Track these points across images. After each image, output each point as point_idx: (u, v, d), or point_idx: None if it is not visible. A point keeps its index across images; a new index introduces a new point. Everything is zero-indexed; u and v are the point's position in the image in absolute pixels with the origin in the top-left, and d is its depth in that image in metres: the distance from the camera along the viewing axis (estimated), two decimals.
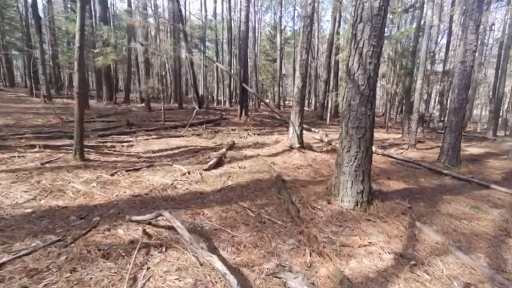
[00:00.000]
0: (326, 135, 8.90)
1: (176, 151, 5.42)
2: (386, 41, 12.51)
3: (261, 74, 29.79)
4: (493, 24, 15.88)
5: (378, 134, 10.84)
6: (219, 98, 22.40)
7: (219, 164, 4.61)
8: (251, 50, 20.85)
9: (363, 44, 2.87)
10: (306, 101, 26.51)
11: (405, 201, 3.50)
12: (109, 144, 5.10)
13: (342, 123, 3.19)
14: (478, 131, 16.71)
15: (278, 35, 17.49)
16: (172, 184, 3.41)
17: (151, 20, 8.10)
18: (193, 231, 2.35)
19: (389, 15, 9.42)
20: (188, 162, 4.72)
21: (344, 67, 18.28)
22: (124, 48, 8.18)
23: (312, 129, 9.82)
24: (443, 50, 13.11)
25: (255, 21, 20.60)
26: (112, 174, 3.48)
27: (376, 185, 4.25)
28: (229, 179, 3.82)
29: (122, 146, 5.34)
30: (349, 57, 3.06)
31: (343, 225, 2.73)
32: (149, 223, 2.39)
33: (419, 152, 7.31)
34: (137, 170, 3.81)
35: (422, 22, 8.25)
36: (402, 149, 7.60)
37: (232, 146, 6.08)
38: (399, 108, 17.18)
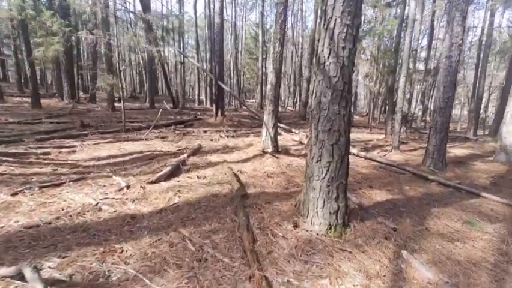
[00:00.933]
0: (307, 137, 8.33)
1: (128, 158, 4.60)
2: (368, 39, 12.19)
3: (246, 73, 29.12)
4: (470, 27, 16.04)
5: (362, 135, 10.44)
6: (201, 97, 21.49)
7: (173, 174, 3.86)
8: (232, 47, 20.10)
9: (334, 24, 2.23)
10: (291, 101, 26.08)
11: (389, 220, 2.91)
12: (39, 151, 4.20)
13: (311, 125, 2.54)
14: (458, 130, 16.88)
15: (260, 32, 16.86)
16: (96, 205, 2.63)
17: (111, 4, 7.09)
18: None
19: (371, 10, 9.00)
20: (138, 172, 3.93)
21: None
22: (72, 38, 7.20)
23: (293, 130, 9.24)
24: (425, 49, 12.98)
25: (235, 17, 19.87)
26: (14, 194, 2.65)
27: (356, 196, 3.66)
28: (178, 194, 3.08)
29: (60, 152, 4.45)
30: (318, 42, 2.41)
31: (310, 260, 2.08)
32: None
33: (402, 154, 6.88)
34: (58, 185, 2.99)
35: (404, 17, 7.86)
36: (386, 151, 7.15)
37: (197, 151, 5.33)
38: (383, 108, 17.06)
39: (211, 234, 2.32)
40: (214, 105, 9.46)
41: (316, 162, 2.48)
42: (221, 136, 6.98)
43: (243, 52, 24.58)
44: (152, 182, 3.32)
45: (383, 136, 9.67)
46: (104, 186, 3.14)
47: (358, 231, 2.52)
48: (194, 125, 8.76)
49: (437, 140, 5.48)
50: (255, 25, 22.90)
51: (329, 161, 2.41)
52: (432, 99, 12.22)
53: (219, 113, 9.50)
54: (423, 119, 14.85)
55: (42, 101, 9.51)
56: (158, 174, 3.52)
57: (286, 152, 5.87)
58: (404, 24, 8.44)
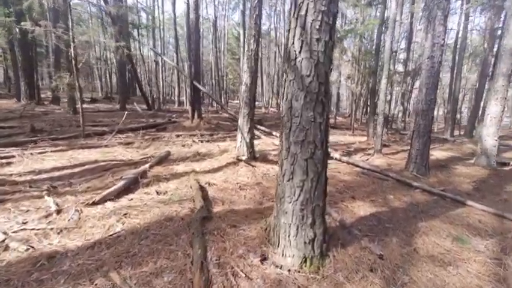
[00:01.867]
0: None
1: (77, 170, 3.93)
2: (349, 40, 12.10)
3: (229, 73, 28.49)
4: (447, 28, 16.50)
5: (344, 137, 10.25)
6: (181, 98, 20.63)
7: (128, 189, 3.27)
8: (213, 46, 19.45)
9: (306, 10, 1.79)
10: (275, 101, 25.81)
11: (375, 243, 2.52)
12: None
13: (282, 135, 2.08)
14: (436, 131, 17.34)
15: (242, 32, 16.35)
16: (2, 242, 2.01)
17: None
18: None
19: (352, 10, 8.79)
20: (85, 188, 3.30)
21: None
22: (16, 30, 6.33)
23: (274, 133, 8.83)
24: (405, 51, 13.11)
25: (215, 16, 19.26)
26: None
27: (338, 211, 3.26)
28: (123, 219, 2.51)
29: None
30: (288, 33, 1.96)
31: None
32: None
33: (385, 157, 6.66)
34: None
35: (385, 18, 7.71)
36: (368, 154, 6.91)
37: (164, 159, 4.74)
38: (365, 109, 17.15)
39: (153, 278, 1.79)
40: (190, 107, 8.84)
41: (288, 180, 2.02)
42: (194, 141, 6.41)
43: (225, 52, 23.97)
44: (93, 203, 2.72)
45: (365, 138, 9.51)
46: (28, 211, 2.51)
47: (339, 263, 2.09)
48: (167, 129, 8.09)
49: (419, 144, 5.25)
50: (237, 25, 22.40)
51: (303, 179, 1.96)
52: (412, 101, 12.34)
53: (196, 116, 8.89)
54: (403, 120, 15.05)
55: None
56: (105, 193, 2.92)
57: (264, 158, 5.41)
58: (384, 26, 8.31)
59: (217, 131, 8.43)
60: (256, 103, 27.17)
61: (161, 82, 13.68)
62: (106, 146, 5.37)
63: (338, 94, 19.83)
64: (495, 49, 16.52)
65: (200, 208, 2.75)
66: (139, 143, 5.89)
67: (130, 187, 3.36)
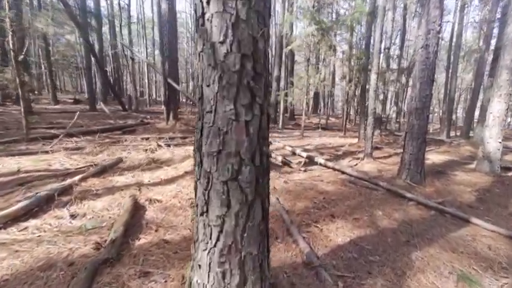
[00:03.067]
0: (270, 143, 7.19)
1: None
2: (339, 37, 11.44)
3: None
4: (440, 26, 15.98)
5: (334, 139, 9.54)
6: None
7: (32, 212, 2.48)
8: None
9: None
10: None
11: None
12: None
13: (195, 142, 1.32)
14: (431, 132, 16.78)
15: None
16: None
17: None
18: None
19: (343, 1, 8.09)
20: None
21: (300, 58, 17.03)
22: None
23: None
24: (399, 48, 12.49)
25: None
26: None
27: (308, 238, 2.51)
28: None
29: None
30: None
31: None
32: None
33: (376, 162, 5.95)
34: None
35: (376, 6, 7.04)
36: (357, 158, 6.19)
37: (109, 168, 3.94)
38: (359, 109, 16.53)
39: None
40: (164, 107, 8.05)
41: (201, 214, 1.26)
42: (160, 145, 5.62)
43: None
44: None
45: (356, 140, 8.81)
46: None
47: None
48: (137, 131, 7.29)
49: (413, 147, 4.54)
50: None
51: (222, 213, 1.20)
52: (406, 99, 11.71)
53: (171, 117, 8.10)
54: (398, 120, 14.44)
55: None
56: None
57: None
58: (374, 16, 7.63)
59: (192, 133, 7.66)
60: None
61: (138, 81, 12.87)
62: (48, 151, 4.56)
63: (331, 93, 19.21)
64: (491, 47, 16.08)
65: (110, 243, 1.97)
66: (93, 147, 5.08)
67: (37, 209, 2.57)
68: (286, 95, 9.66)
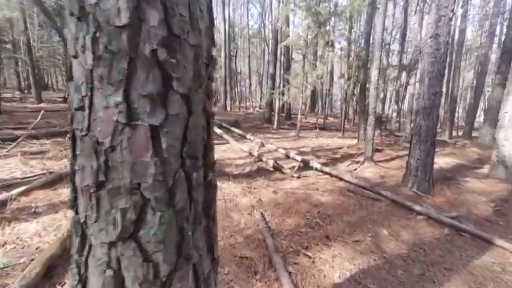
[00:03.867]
0: (262, 145, 6.63)
1: None
2: (337, 33, 10.88)
3: (216, 72, 27.09)
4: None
5: (332, 140, 8.99)
6: None
7: None
8: None
9: None
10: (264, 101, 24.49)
11: None
12: None
13: (70, 167, 0.73)
14: None
15: (222, 25, 14.99)
16: None
17: None
18: None
19: None
20: None
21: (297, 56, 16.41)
22: None
23: (248, 136, 7.51)
24: (399, 44, 11.94)
25: None
26: None
27: (294, 273, 1.94)
28: None
29: None
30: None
31: None
32: None
33: (377, 167, 5.40)
34: None
35: None
36: (357, 162, 5.64)
37: (67, 176, 3.34)
38: (358, 108, 15.99)
39: None
40: None
41: None
42: None
43: None
44: None
45: (356, 141, 8.27)
46: None
47: None
48: None
49: (421, 151, 3.99)
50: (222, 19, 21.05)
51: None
52: (406, 100, 11.19)
53: None
54: (398, 120, 13.92)
55: None
56: None
57: (218, 171, 4.07)
58: (376, 10, 7.08)
59: None
60: (248, 103, 25.80)
61: None
62: (1, 156, 3.95)
63: (329, 92, 18.69)
64: (495, 45, 15.60)
65: None
66: (58, 151, 4.48)
67: None
68: (282, 93, 9.10)
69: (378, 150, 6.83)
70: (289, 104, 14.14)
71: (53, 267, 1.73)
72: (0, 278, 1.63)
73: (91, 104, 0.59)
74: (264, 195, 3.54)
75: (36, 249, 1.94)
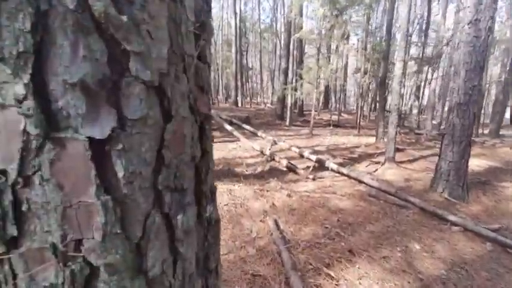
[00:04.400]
0: (274, 143, 6.33)
1: None
2: (355, 24, 10.29)
3: (227, 67, 26.90)
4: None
5: (348, 138, 8.54)
6: None
7: None
8: None
9: None
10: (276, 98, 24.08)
11: None
12: None
13: None
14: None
15: (233, 20, 14.64)
16: None
17: None
18: None
19: None
20: None
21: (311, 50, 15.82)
22: None
23: (259, 133, 7.22)
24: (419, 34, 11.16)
25: None
26: None
27: None
28: None
29: None
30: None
31: None
32: None
33: (399, 168, 4.97)
34: None
35: None
36: (377, 163, 5.23)
37: None
38: (373, 105, 15.29)
39: None
40: None
41: None
42: None
43: (220, 43, 22.41)
44: None
45: (374, 140, 7.79)
46: None
47: None
48: None
49: (454, 153, 3.56)
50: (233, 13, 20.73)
51: None
52: (426, 95, 10.48)
53: None
54: (418, 116, 13.17)
55: None
56: None
57: (227, 171, 3.83)
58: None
59: None
60: (259, 99, 25.49)
61: None
62: None
63: (343, 87, 18.02)
64: None
65: None
66: None
67: None
68: (294, 89, 8.71)
69: (399, 150, 6.36)
70: (302, 100, 13.69)
71: None
72: None
73: None
74: (277, 199, 3.26)
75: None
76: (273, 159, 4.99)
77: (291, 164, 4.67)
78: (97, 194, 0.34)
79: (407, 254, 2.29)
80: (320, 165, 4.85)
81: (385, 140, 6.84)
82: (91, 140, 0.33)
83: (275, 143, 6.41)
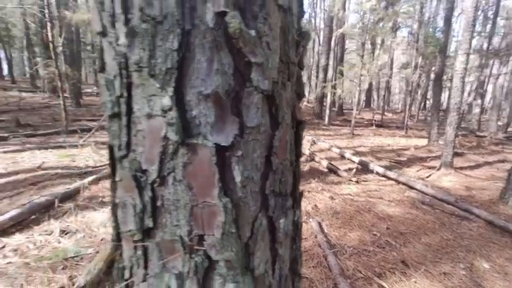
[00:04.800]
0: (313, 143, 6.18)
1: (1, 181, 3.00)
2: (405, 5, 9.39)
3: None
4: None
5: (393, 140, 7.91)
6: None
7: (26, 222, 2.15)
8: None
9: None
10: (313, 96, 23.37)
11: None
12: None
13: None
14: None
15: None
16: None
17: None
18: None
19: None
20: None
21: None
22: None
23: None
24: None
25: None
26: None
27: None
28: None
29: None
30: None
31: None
32: None
33: (458, 175, 4.43)
34: None
35: None
36: (431, 168, 4.74)
37: None
38: (423, 103, 13.87)
39: None
40: None
41: None
42: None
43: None
44: None
45: (425, 142, 7.07)
46: None
47: None
48: None
49: None
50: None
51: None
52: (490, 92, 9.07)
53: None
54: (480, 117, 11.55)
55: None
56: None
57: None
58: None
59: None
60: None
61: None
62: (78, 145, 4.48)
63: (388, 84, 16.70)
64: None
65: None
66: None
67: (34, 216, 2.23)
68: (334, 87, 8.36)
69: (457, 154, 5.67)
70: (342, 99, 13.07)
71: (113, 263, 1.75)
72: (70, 268, 1.71)
73: (129, 109, 0.37)
74: (319, 200, 3.18)
75: (101, 240, 2.02)
76: (313, 160, 4.87)
77: (332, 165, 4.50)
78: (219, 196, 0.36)
79: (473, 272, 2.04)
80: (363, 168, 4.59)
81: (440, 142, 6.19)
82: (217, 147, 0.35)
83: (314, 142, 6.25)
